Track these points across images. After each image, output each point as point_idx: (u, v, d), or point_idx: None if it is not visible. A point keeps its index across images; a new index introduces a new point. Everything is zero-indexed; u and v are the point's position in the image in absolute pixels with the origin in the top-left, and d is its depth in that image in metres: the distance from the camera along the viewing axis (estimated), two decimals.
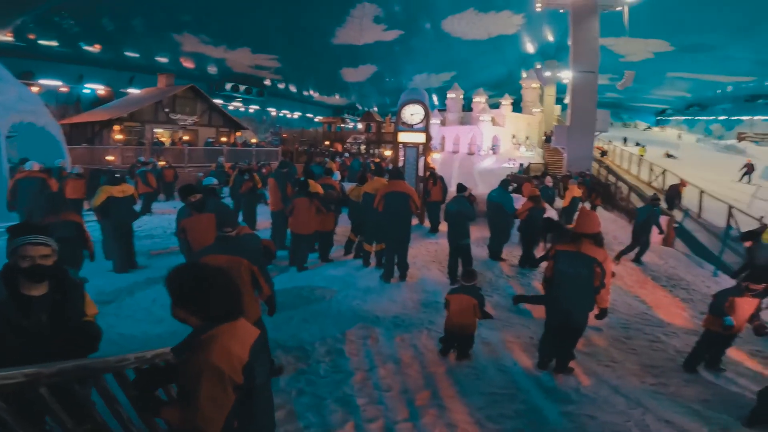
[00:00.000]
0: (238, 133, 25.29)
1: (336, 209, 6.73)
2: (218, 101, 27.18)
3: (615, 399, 3.39)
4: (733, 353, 4.25)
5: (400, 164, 9.52)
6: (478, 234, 7.87)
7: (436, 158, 24.47)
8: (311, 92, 39.43)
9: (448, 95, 30.82)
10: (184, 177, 14.26)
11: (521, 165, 21.03)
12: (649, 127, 46.12)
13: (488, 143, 27.20)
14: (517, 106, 31.87)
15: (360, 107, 43.36)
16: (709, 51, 28.98)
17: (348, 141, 31.55)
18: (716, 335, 3.88)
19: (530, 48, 32.27)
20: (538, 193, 7.43)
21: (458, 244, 6.09)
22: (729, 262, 7.84)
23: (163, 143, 19.32)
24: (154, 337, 4.10)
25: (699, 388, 3.62)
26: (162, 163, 13.88)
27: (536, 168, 20.68)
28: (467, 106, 30.91)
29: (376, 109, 40.18)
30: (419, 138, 9.44)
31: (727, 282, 6.54)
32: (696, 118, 45.27)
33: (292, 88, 37.25)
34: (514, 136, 28.48)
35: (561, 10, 17.43)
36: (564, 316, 3.59)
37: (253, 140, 28.32)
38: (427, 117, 9.40)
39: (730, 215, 9.29)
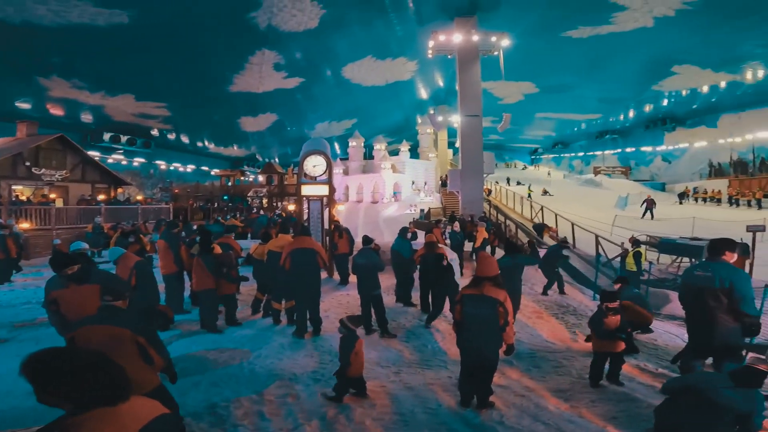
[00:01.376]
0: (120, 190, 22.83)
1: (227, 273, 6.17)
2: (94, 153, 24.59)
3: (537, 427, 3.56)
4: (626, 368, 4.71)
5: (305, 218, 9.41)
6: (388, 282, 8.04)
7: (341, 210, 24.61)
8: (206, 143, 37.10)
9: (350, 143, 31.56)
10: (32, 243, 12.11)
11: (422, 210, 22.04)
12: (525, 167, 51.93)
13: (390, 191, 28.19)
14: (414, 152, 33.60)
15: (260, 158, 42.15)
16: (566, 91, 32.61)
17: (249, 195, 30.28)
18: (607, 354, 4.39)
19: (424, 94, 34.38)
20: (434, 239, 7.44)
21: (369, 295, 6.18)
22: (603, 286, 8.96)
23: (23, 202, 16.53)
24: (28, 410, 3.49)
25: (606, 407, 3.93)
26: (26, 225, 11.75)
27: (436, 213, 21.86)
28: (368, 154, 31.82)
29: (277, 159, 39.44)
30: (323, 190, 9.48)
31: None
32: (561, 155, 52.38)
33: (185, 139, 34.73)
34: (413, 182, 29.96)
35: (449, 56, 19.22)
36: (476, 355, 3.80)
37: (139, 197, 25.76)
38: (329, 168, 9.52)
39: (597, 243, 10.72)
